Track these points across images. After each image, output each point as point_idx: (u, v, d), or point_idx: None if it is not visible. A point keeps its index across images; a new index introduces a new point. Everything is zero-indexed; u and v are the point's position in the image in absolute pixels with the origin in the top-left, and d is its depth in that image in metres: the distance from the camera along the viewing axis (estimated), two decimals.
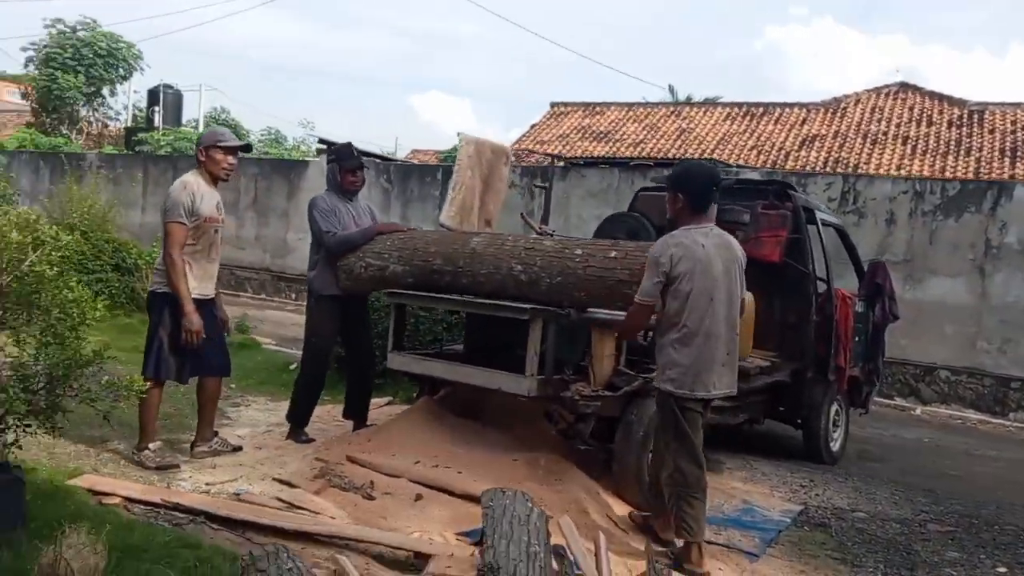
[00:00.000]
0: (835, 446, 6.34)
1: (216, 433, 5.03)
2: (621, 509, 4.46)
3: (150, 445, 4.72)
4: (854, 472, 6.03)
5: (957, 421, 9.24)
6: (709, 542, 4.21)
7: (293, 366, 7.59)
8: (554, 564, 2.93)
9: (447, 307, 5.26)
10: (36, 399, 3.44)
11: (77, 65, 26.37)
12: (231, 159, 4.80)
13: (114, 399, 3.74)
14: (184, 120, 28.75)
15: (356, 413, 5.61)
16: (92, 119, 28.60)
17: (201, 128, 29.92)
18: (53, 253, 3.61)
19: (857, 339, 6.47)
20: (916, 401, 9.76)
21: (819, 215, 6.35)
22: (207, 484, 4.46)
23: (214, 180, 4.80)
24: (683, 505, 3.76)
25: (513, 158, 5.86)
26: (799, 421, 6.27)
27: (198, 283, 4.70)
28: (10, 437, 3.56)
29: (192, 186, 4.69)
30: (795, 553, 4.21)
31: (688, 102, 22.29)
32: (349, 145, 5.38)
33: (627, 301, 4.02)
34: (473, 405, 5.38)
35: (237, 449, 5.01)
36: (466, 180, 5.37)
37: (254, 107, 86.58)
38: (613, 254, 4.25)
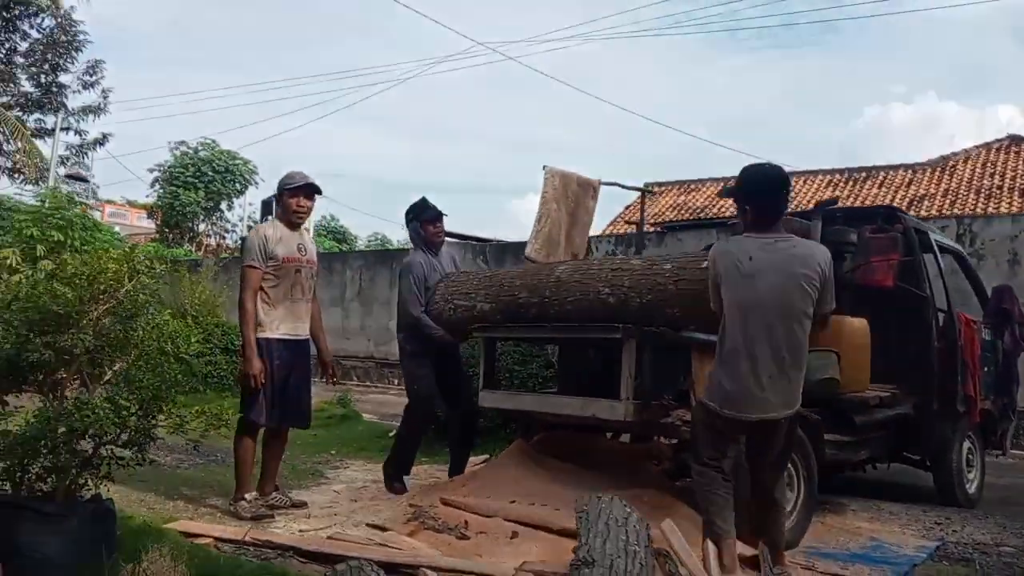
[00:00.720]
0: (971, 488, 5.74)
1: (277, 487, 4.92)
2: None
3: (246, 496, 4.69)
4: (995, 512, 5.43)
5: None
6: (835, 575, 3.84)
7: (392, 433, 7.53)
8: (656, 565, 2.66)
9: (536, 335, 5.10)
10: (127, 422, 3.44)
11: (197, 182, 28.16)
12: (302, 200, 4.80)
13: (204, 429, 3.75)
14: None
15: (458, 470, 5.49)
16: (210, 232, 30.32)
17: (312, 234, 31.31)
18: (148, 280, 3.70)
19: (986, 369, 5.94)
20: None
21: (933, 237, 5.95)
22: (300, 531, 4.37)
23: (292, 225, 4.83)
24: (707, 505, 3.49)
25: (600, 190, 5.73)
26: (928, 462, 5.74)
27: (284, 323, 4.74)
28: (103, 470, 3.58)
29: (265, 230, 4.80)
30: None
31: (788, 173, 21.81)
32: (424, 199, 5.38)
33: None
34: (570, 448, 5.16)
35: (298, 505, 4.86)
36: (552, 213, 5.27)
37: (362, 213, 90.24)
38: (705, 265, 4.03)
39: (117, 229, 29.09)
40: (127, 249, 3.81)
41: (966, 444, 5.73)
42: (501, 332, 5.04)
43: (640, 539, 2.70)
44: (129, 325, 3.68)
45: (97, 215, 31.39)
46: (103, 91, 22.88)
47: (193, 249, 28.18)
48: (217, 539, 3.99)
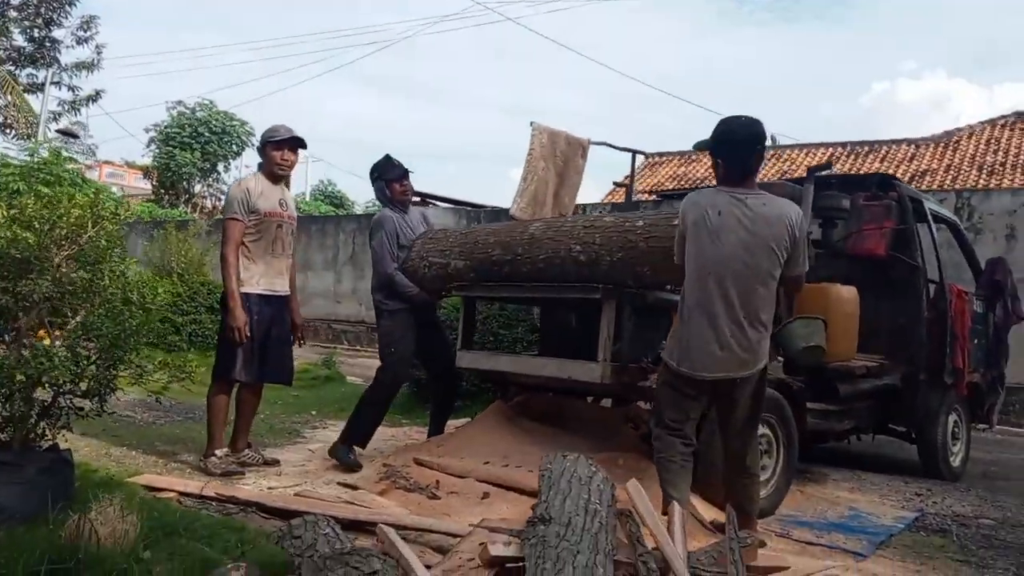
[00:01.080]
0: (955, 461, 5.65)
1: (250, 444, 4.83)
2: (708, 513, 4.03)
3: (216, 452, 4.61)
4: (978, 485, 5.37)
5: None
6: (810, 543, 3.77)
7: None
8: (619, 525, 2.57)
9: (514, 295, 4.96)
10: (85, 371, 3.35)
11: (194, 143, 27.87)
12: (286, 154, 4.71)
13: (169, 380, 3.67)
14: (292, 190, 29.77)
15: (438, 432, 5.33)
16: (206, 194, 30.09)
17: (308, 199, 31.09)
18: (112, 227, 3.58)
19: (976, 342, 5.83)
20: None
21: (928, 206, 5.80)
22: (269, 488, 4.30)
23: (275, 178, 4.75)
24: (662, 472, 3.43)
25: (589, 149, 5.58)
26: (913, 434, 5.66)
27: (264, 278, 4.66)
28: (62, 420, 3.49)
29: (248, 183, 4.69)
30: (910, 555, 3.68)
31: (788, 145, 21.60)
32: (388, 157, 5.17)
33: None
34: (549, 411, 5.09)
35: (271, 463, 4.78)
36: (539, 171, 5.11)
37: (360, 178, 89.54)
38: (676, 222, 3.79)
39: (115, 189, 28.87)
40: (91, 194, 3.68)
41: (952, 417, 5.63)
42: (480, 291, 4.92)
43: (604, 498, 2.61)
44: (94, 272, 3.57)
45: (95, 175, 31.18)
46: (97, 47, 22.61)
47: (189, 211, 27.97)
48: (180, 493, 3.91)
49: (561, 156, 5.33)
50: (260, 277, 4.65)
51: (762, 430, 4.25)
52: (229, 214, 4.62)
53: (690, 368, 3.32)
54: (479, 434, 4.83)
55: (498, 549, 2.34)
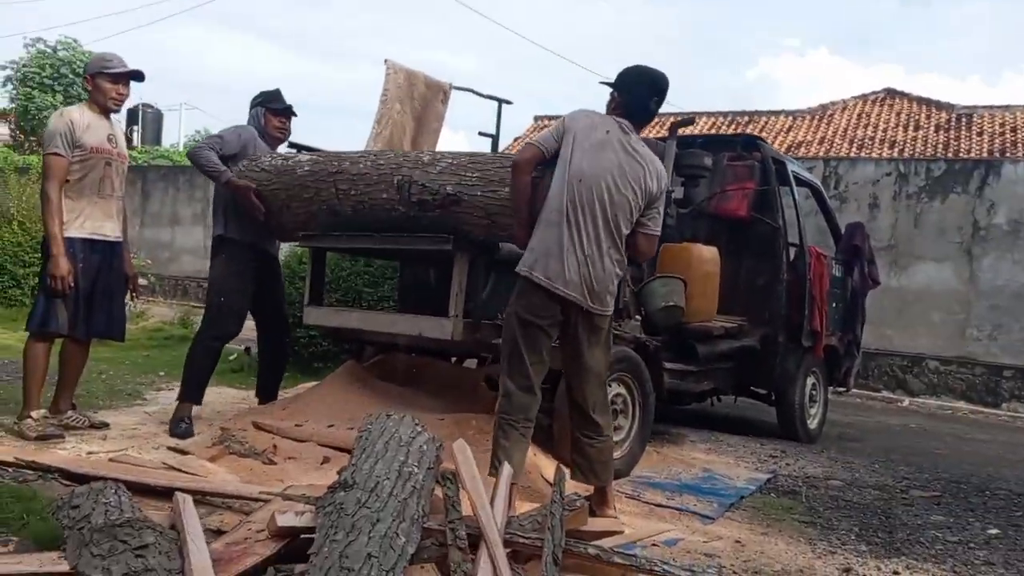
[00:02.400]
0: (812, 423, 5.75)
1: (74, 406, 4.39)
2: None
3: (32, 413, 4.13)
4: (832, 447, 5.46)
5: (946, 411, 8.69)
6: (660, 505, 3.67)
7: (232, 356, 7.06)
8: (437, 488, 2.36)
9: (362, 246, 4.58)
10: None
11: (55, 84, 25.97)
12: (120, 88, 4.27)
13: None
14: (165, 140, 28.31)
15: (272, 392, 4.91)
16: None
17: (181, 148, 29.55)
18: None
19: (834, 305, 5.91)
20: (903, 393, 9.21)
21: (791, 168, 5.81)
22: (89, 453, 3.89)
23: (104, 111, 4.29)
24: (499, 434, 3.18)
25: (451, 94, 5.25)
26: (773, 396, 5.70)
27: (89, 220, 4.17)
28: None
29: (72, 115, 4.19)
30: (757, 517, 3.65)
31: (670, 113, 21.78)
32: (278, 90, 4.70)
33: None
34: (406, 372, 4.84)
35: (98, 426, 4.35)
36: (394, 115, 4.76)
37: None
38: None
39: None
40: None
41: (810, 380, 5.71)
42: (327, 243, 4.56)
43: (424, 460, 2.39)
44: None
45: None
46: None
47: None
48: None
49: (419, 99, 4.98)
50: (86, 219, 4.17)
51: (618, 389, 4.16)
52: (51, 148, 4.09)
53: (544, 274, 3.10)
54: (327, 396, 4.54)
55: (287, 519, 2.09)
